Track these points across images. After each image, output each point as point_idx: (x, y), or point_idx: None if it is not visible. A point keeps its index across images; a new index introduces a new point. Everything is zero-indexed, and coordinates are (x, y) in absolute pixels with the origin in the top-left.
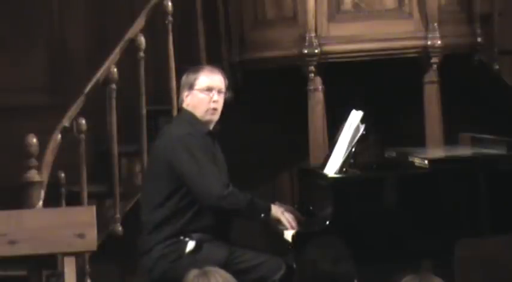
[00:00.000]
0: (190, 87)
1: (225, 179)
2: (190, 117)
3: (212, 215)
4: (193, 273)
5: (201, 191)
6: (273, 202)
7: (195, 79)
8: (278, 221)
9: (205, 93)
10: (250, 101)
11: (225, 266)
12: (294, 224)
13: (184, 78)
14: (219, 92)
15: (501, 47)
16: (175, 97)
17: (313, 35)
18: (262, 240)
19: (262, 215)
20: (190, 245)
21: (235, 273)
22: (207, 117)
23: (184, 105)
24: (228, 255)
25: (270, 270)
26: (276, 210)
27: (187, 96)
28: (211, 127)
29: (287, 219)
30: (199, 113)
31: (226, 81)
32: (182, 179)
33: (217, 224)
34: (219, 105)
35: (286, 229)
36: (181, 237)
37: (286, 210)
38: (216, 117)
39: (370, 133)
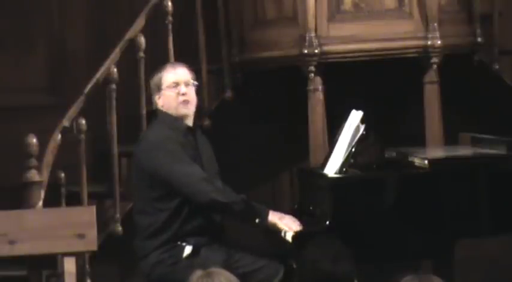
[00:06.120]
0: (159, 88)
1: (212, 174)
2: (167, 117)
3: (204, 214)
4: (197, 274)
5: (191, 192)
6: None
7: (160, 79)
8: (275, 226)
9: (172, 89)
10: (250, 101)
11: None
12: (293, 225)
13: (151, 82)
14: (186, 84)
15: (501, 47)
16: None
17: (313, 35)
18: (262, 240)
19: (257, 220)
20: (187, 249)
21: None
22: (182, 112)
23: (159, 107)
24: (226, 259)
25: (269, 275)
26: (273, 216)
27: (159, 98)
28: (190, 122)
29: (285, 224)
30: (172, 110)
31: (193, 74)
32: (169, 184)
33: (209, 223)
34: (190, 97)
35: (286, 232)
36: (178, 242)
37: (284, 216)
38: (191, 110)
39: (370, 133)
